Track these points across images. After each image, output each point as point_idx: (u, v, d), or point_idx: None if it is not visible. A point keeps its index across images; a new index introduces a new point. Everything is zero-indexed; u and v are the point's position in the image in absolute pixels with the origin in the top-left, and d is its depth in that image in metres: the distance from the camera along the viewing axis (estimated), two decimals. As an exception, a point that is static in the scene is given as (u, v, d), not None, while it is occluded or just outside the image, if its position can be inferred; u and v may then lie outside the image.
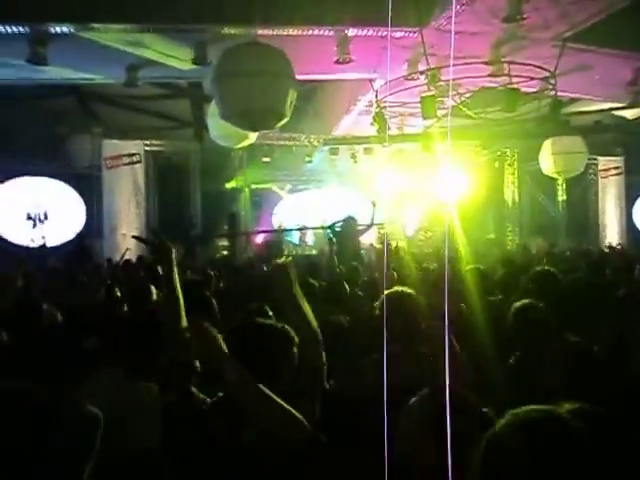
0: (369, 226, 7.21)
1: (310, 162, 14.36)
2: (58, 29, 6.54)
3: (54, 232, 12.81)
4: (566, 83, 8.50)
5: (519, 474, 0.81)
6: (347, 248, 6.75)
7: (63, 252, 11.47)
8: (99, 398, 1.81)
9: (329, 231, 7.12)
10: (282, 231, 16.04)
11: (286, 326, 1.77)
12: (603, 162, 15.65)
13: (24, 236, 12.33)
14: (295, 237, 16.46)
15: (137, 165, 13.27)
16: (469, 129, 12.48)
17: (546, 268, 4.00)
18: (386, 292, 2.31)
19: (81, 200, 13.53)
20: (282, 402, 1.47)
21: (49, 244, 12.02)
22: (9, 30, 6.48)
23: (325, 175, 16.20)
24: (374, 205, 7.44)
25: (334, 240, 6.87)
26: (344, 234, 6.95)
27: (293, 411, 1.47)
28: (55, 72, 7.72)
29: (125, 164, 13.15)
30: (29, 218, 12.69)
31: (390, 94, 9.09)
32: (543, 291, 3.29)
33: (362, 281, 4.88)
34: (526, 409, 0.87)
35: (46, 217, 12.70)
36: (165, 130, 13.10)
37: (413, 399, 1.49)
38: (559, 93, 8.69)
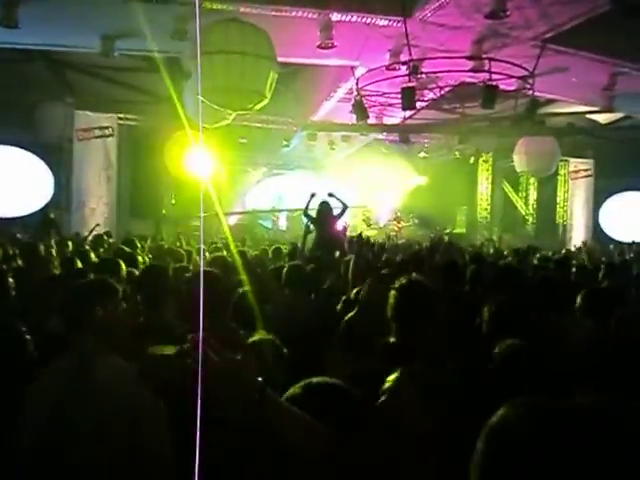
0: (343, 211, 7.07)
1: (287, 146, 14.28)
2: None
3: (20, 203, 12.45)
4: (543, 84, 8.63)
5: (524, 465, 0.79)
6: (325, 234, 6.70)
7: (27, 223, 11.17)
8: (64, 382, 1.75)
9: (305, 217, 7.00)
10: (256, 212, 15.96)
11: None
12: (574, 164, 16.01)
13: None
14: (268, 221, 16.39)
15: (109, 139, 12.95)
16: (447, 123, 12.59)
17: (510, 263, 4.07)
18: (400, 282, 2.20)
19: (49, 172, 13.16)
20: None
21: (14, 214, 11.69)
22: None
23: (301, 160, 16.15)
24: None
25: (310, 226, 6.80)
26: (320, 219, 6.86)
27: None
28: (27, 36, 7.44)
29: (97, 137, 12.81)
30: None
31: (371, 83, 9.07)
32: (507, 285, 3.36)
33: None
34: (525, 400, 0.85)
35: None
36: (140, 104, 12.80)
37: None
38: (536, 93, 8.82)
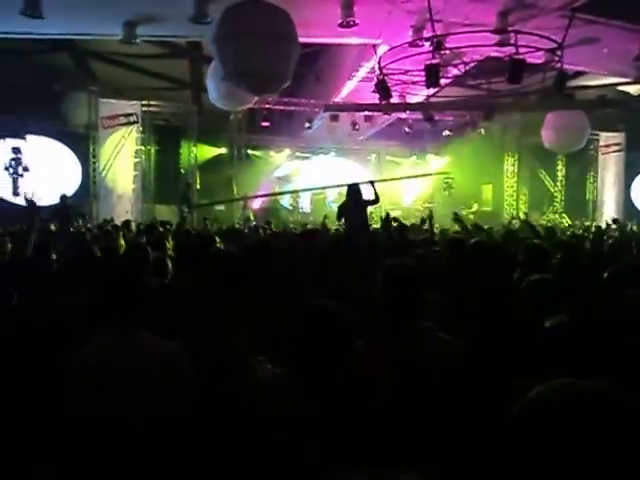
0: (374, 201, 6.84)
1: (309, 128, 14.19)
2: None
3: (49, 192, 12.69)
4: (572, 56, 8.34)
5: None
6: (355, 218, 6.37)
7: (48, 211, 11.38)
8: (102, 361, 1.82)
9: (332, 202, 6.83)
10: (279, 194, 15.92)
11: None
12: (604, 138, 15.54)
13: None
14: (286, 202, 16.26)
15: (134, 125, 13.09)
16: (472, 100, 12.34)
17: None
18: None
19: (77, 160, 13.37)
20: None
21: (42, 203, 11.93)
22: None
23: (324, 142, 16.04)
24: (372, 184, 7.04)
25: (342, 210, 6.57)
26: (350, 203, 6.54)
27: None
28: (50, 26, 7.52)
29: (122, 124, 12.96)
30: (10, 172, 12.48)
31: (394, 61, 8.91)
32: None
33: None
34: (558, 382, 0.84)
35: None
36: (163, 91, 12.88)
37: None
38: (565, 66, 8.55)
